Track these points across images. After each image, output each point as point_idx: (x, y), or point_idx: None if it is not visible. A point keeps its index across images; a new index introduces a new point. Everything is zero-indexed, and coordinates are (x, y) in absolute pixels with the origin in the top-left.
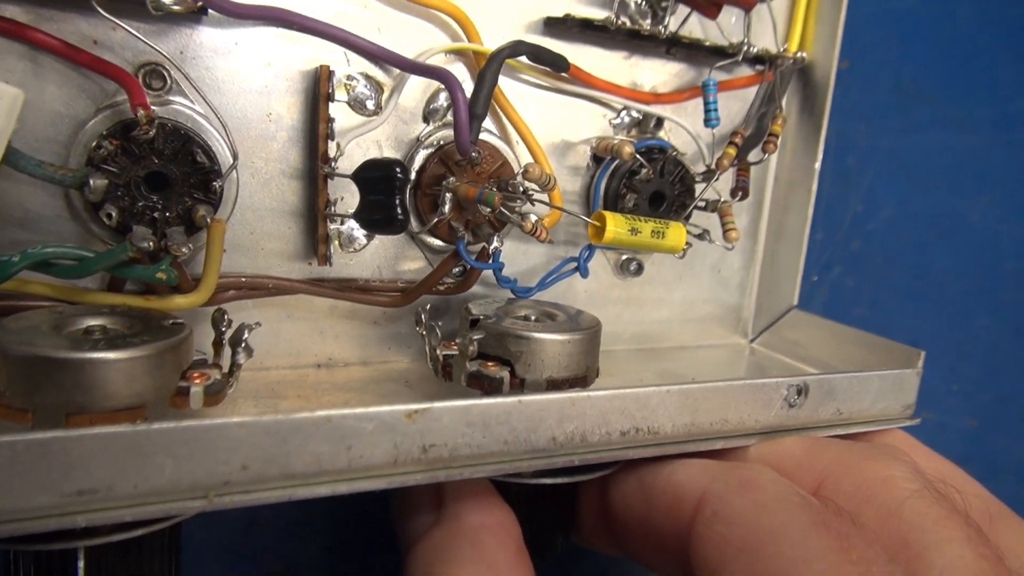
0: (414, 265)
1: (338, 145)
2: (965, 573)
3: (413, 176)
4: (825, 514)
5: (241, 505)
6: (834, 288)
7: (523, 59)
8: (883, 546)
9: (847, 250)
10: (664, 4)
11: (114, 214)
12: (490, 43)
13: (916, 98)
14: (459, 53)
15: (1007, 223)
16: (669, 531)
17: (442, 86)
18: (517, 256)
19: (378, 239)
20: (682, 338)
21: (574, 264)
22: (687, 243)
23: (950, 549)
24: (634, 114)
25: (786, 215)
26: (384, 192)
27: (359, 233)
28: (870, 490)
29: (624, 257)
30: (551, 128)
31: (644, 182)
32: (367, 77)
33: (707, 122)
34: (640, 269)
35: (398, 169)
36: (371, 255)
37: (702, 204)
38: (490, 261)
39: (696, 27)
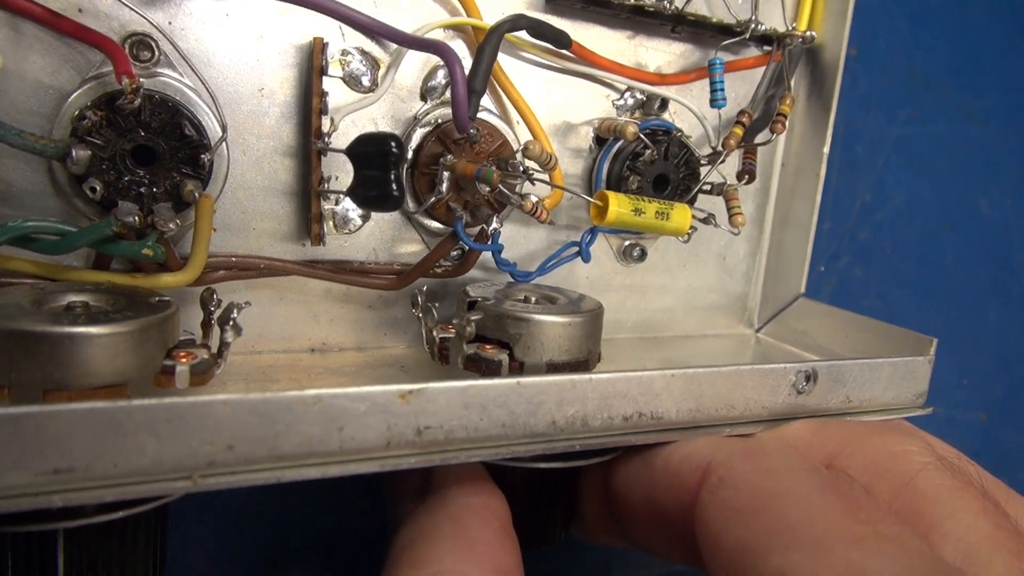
0: (411, 248)
1: (332, 120)
2: (982, 543)
3: (410, 155)
4: (834, 479)
5: (227, 487)
6: (842, 279)
7: (524, 35)
8: (896, 513)
9: (855, 240)
10: None
11: (98, 188)
12: (489, 19)
13: (926, 87)
14: (458, 29)
15: (1019, 214)
16: (674, 505)
17: (440, 63)
18: (517, 240)
19: (374, 221)
20: (686, 327)
21: (576, 248)
22: (692, 227)
23: (966, 519)
24: (638, 95)
25: (793, 202)
26: (379, 167)
27: (354, 214)
28: (883, 464)
29: (627, 242)
30: (553, 108)
31: (648, 164)
32: (363, 52)
33: (713, 102)
34: (643, 255)
35: (393, 143)
36: (366, 237)
37: (707, 187)
38: (488, 242)
39: (702, 5)
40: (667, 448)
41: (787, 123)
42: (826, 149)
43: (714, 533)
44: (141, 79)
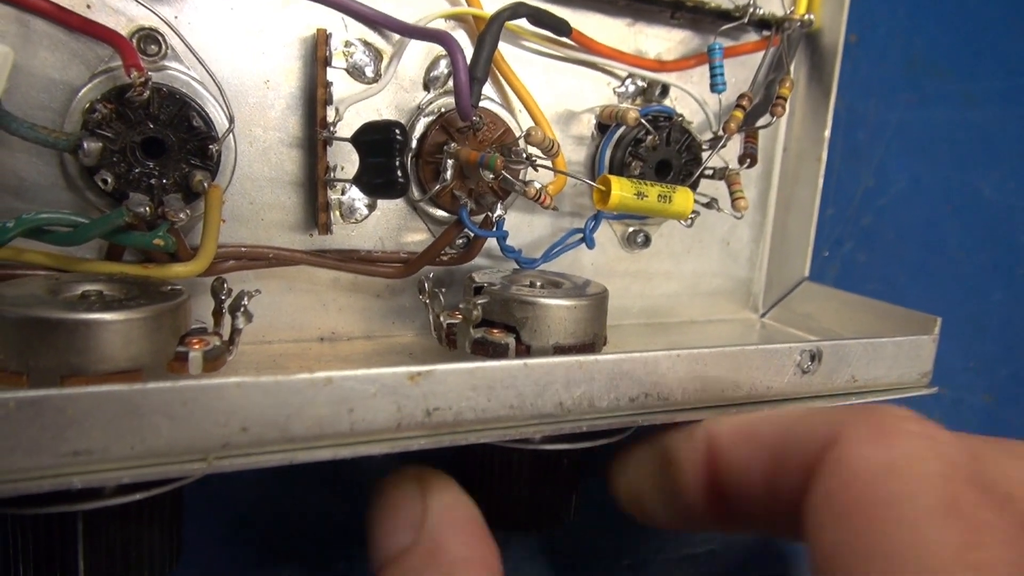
0: (417, 237)
1: (337, 110)
2: None
3: (414, 144)
4: (965, 492)
5: (241, 468)
6: (846, 264)
7: (524, 23)
8: None
9: (858, 225)
10: None
11: (110, 180)
12: (490, 8)
13: (926, 72)
14: (459, 18)
15: (1021, 197)
16: (793, 481)
17: (443, 52)
18: (522, 227)
19: (380, 210)
20: (691, 312)
21: (580, 235)
22: (695, 211)
23: None
24: (639, 82)
25: (796, 186)
26: (384, 155)
27: (360, 204)
28: None
29: (631, 229)
30: (555, 97)
31: (650, 150)
32: (365, 43)
33: (713, 87)
34: (648, 241)
35: (397, 131)
36: (373, 226)
37: (709, 172)
38: (493, 229)
39: None
40: (788, 415)
41: (787, 106)
42: (827, 133)
43: (816, 525)
44: (149, 72)
